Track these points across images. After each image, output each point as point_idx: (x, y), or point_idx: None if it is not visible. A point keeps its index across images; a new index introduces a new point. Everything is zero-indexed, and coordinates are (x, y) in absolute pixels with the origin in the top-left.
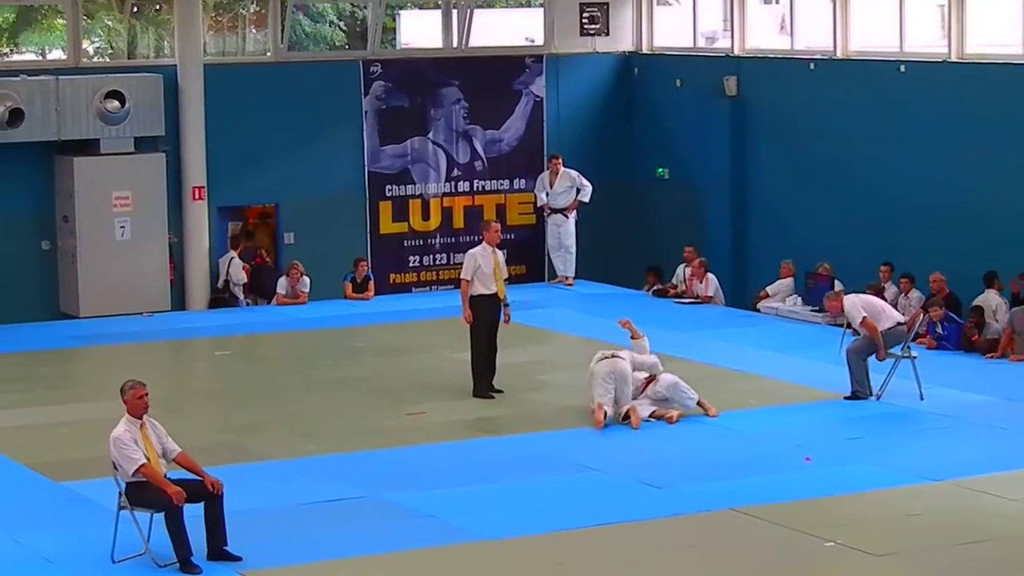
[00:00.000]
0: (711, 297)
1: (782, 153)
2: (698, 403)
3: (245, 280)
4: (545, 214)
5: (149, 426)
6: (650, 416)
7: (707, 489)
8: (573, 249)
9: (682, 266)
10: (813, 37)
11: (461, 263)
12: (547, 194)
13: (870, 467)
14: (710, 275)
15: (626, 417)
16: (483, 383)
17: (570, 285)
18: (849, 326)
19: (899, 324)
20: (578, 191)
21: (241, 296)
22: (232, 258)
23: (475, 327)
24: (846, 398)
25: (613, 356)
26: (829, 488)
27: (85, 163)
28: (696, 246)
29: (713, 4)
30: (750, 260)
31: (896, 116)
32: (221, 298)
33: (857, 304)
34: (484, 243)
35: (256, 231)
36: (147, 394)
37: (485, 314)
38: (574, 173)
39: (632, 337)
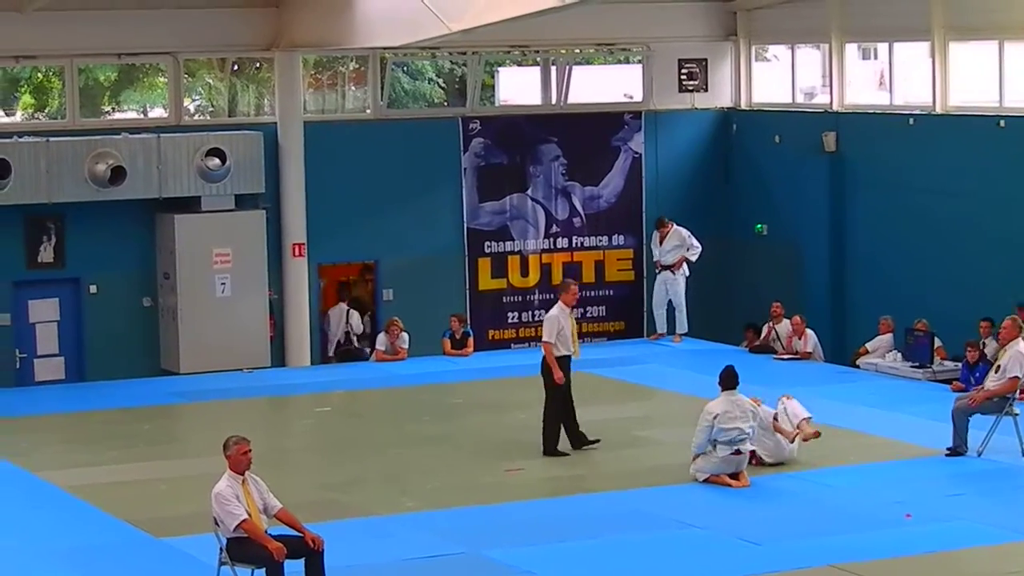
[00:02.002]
0: (810, 353)
1: (881, 209)
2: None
3: (363, 330)
4: (656, 271)
5: (251, 482)
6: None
7: (806, 545)
8: (682, 306)
9: (769, 323)
10: (912, 92)
11: None
12: (658, 251)
13: (971, 524)
14: (809, 331)
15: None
16: (555, 442)
17: (677, 342)
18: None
19: None
20: (688, 249)
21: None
22: (347, 310)
23: (558, 388)
24: (946, 454)
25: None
26: (929, 545)
27: (186, 220)
28: (785, 302)
29: (812, 60)
30: (849, 316)
31: (995, 171)
32: (348, 350)
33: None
34: (561, 304)
35: (355, 287)
36: (251, 450)
37: (566, 375)
38: (685, 232)
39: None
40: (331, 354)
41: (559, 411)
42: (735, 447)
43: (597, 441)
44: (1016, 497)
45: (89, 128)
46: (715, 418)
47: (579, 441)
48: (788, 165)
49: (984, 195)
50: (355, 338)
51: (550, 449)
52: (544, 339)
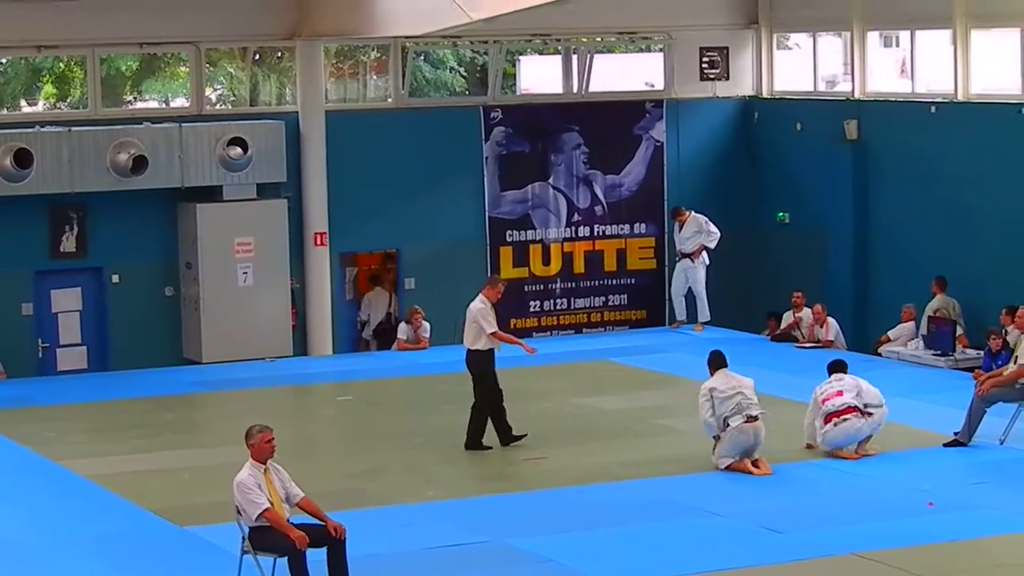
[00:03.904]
0: (832, 341)
1: (903, 196)
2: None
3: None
4: (676, 259)
5: (273, 471)
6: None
7: (829, 534)
8: (703, 294)
9: (790, 311)
10: (934, 80)
11: (583, 308)
12: (678, 239)
13: (993, 512)
14: (830, 319)
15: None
16: (479, 437)
17: (699, 330)
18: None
19: None
20: (707, 235)
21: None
22: (389, 293)
23: (488, 382)
24: (946, 443)
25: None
26: (952, 533)
27: (208, 210)
28: (808, 290)
29: (833, 48)
30: (871, 304)
31: (1017, 159)
32: (388, 328)
33: None
34: (484, 297)
35: (378, 276)
36: (274, 438)
37: (493, 370)
38: (702, 218)
39: None
40: (370, 334)
41: (488, 405)
42: (745, 414)
43: (524, 436)
44: None
45: (111, 118)
46: (712, 391)
47: (507, 436)
48: (810, 153)
49: (1006, 182)
50: (395, 319)
51: (474, 443)
52: (490, 330)
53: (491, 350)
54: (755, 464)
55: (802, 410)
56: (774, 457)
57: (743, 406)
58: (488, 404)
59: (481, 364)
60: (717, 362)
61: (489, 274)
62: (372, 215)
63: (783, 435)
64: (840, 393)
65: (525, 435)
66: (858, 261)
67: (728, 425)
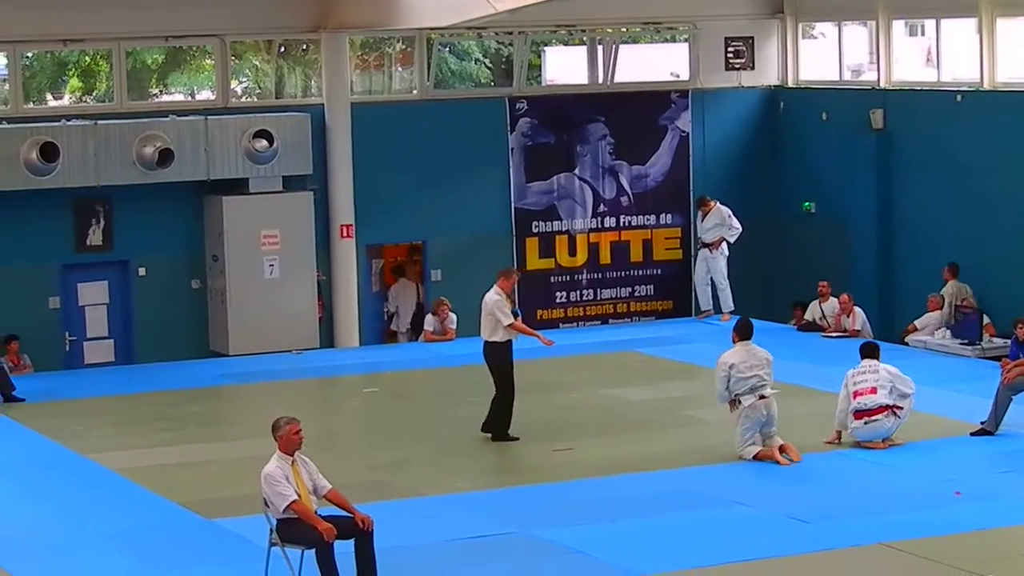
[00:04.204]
0: (859, 331)
1: (929, 186)
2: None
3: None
4: (698, 247)
5: (300, 463)
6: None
7: (856, 524)
8: (725, 285)
9: (816, 301)
10: (960, 69)
11: (609, 299)
12: (700, 228)
13: (1020, 501)
14: (857, 309)
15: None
16: (507, 426)
17: (725, 320)
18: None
19: None
20: (728, 229)
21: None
22: (416, 284)
23: (511, 374)
24: (972, 434)
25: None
26: (980, 522)
27: (234, 202)
28: (833, 280)
29: (859, 37)
30: (897, 294)
31: None
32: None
33: None
34: (499, 288)
35: (403, 268)
36: (301, 430)
37: (510, 362)
38: (726, 211)
39: None
40: (407, 326)
41: (508, 394)
42: (758, 393)
43: (516, 439)
44: None
45: (137, 111)
46: (731, 368)
47: (504, 432)
48: (835, 143)
49: None
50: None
51: (500, 435)
52: (507, 322)
53: (509, 341)
54: (782, 450)
55: (829, 400)
56: (801, 447)
57: (757, 387)
58: (509, 393)
59: (499, 356)
60: (743, 332)
61: (514, 265)
62: (398, 207)
63: (810, 425)
64: (874, 391)
65: (517, 439)
66: (883, 250)
67: (740, 403)
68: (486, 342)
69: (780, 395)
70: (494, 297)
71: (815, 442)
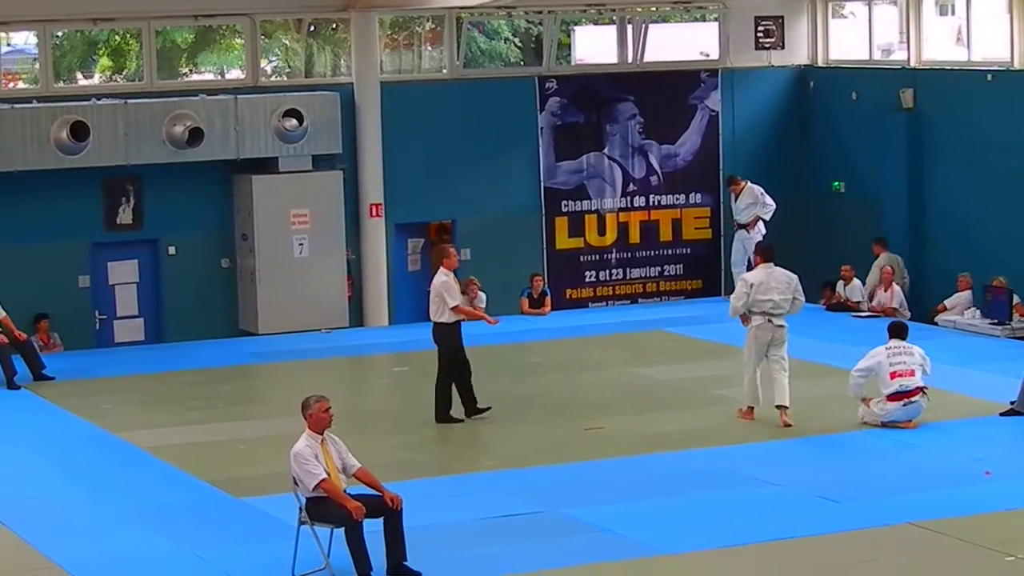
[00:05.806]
0: (896, 309)
1: (959, 165)
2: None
3: None
4: (734, 229)
5: (330, 441)
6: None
7: (886, 503)
8: None
9: (840, 283)
10: (990, 48)
11: (638, 278)
12: (734, 208)
13: None
14: (896, 287)
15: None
16: (446, 409)
17: None
18: None
19: None
20: (762, 207)
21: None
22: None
23: (453, 355)
24: (1002, 413)
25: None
26: (1009, 502)
27: (263, 181)
28: (863, 260)
29: (889, 16)
30: (927, 273)
31: None
32: None
33: None
34: (445, 269)
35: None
36: (331, 408)
37: (459, 343)
38: (758, 189)
39: None
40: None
41: (450, 375)
42: (768, 317)
43: (488, 408)
44: None
45: (167, 90)
46: (752, 287)
47: (472, 408)
48: (865, 122)
49: None
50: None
51: (442, 416)
52: (452, 304)
53: (457, 323)
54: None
55: None
56: (831, 427)
57: (769, 312)
58: (451, 375)
59: (446, 336)
60: (766, 254)
61: (543, 243)
62: (427, 186)
63: (839, 405)
64: (913, 373)
65: (489, 408)
66: (913, 230)
67: (750, 318)
68: (434, 323)
69: (806, 375)
70: (442, 279)
71: (845, 422)
